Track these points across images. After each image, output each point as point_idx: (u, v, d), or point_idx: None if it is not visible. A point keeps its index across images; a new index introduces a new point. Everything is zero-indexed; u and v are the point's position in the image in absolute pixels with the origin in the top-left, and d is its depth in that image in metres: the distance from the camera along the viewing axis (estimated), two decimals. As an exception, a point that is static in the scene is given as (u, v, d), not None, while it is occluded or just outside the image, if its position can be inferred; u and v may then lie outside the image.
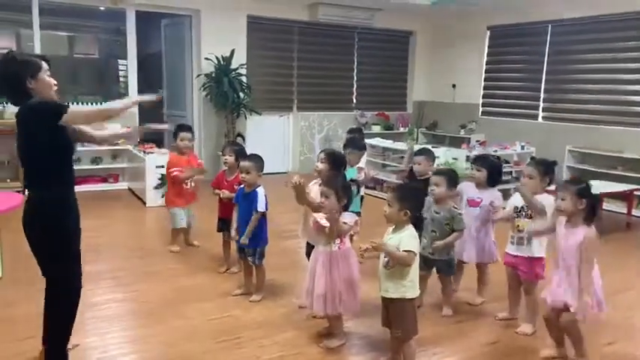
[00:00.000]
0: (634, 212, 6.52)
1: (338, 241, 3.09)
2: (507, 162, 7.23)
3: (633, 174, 6.77)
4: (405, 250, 2.74)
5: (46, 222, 2.59)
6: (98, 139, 3.12)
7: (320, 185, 3.52)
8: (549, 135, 8.00)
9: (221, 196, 4.16)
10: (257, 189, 3.74)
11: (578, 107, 7.99)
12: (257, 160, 3.78)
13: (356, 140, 4.78)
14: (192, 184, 4.91)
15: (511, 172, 7.36)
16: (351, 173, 4.11)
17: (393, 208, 2.78)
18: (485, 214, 3.78)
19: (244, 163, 3.76)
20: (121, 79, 8.93)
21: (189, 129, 4.95)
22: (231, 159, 4.23)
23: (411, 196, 2.84)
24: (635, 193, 6.52)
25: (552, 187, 3.41)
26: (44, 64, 2.65)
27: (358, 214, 4.14)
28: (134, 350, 3.12)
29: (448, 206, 3.60)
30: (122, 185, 7.64)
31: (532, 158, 3.61)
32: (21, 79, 2.55)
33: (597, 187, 6.08)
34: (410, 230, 2.80)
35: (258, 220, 3.72)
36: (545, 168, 3.41)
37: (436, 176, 3.66)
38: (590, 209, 2.90)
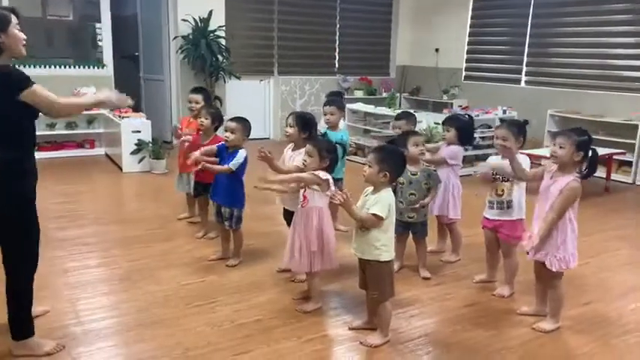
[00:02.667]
0: (613, 176, 6.54)
1: (301, 199, 3.04)
2: (489, 127, 7.19)
3: (614, 138, 6.76)
4: (371, 213, 2.68)
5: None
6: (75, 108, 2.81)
7: (293, 150, 3.47)
8: (532, 99, 7.95)
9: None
10: (240, 150, 3.65)
11: (560, 72, 7.92)
12: (244, 121, 3.69)
13: (337, 100, 4.66)
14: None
15: (492, 136, 7.31)
16: (333, 136, 4.01)
17: (373, 169, 2.71)
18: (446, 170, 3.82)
19: (230, 123, 3.66)
20: (99, 43, 8.60)
21: (199, 90, 4.69)
22: (207, 122, 4.11)
23: (392, 158, 2.76)
24: (615, 157, 6.53)
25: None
26: (14, 18, 2.49)
27: (340, 180, 4.08)
28: (106, 316, 3.05)
29: (422, 166, 3.58)
30: (99, 151, 7.46)
31: (502, 121, 3.52)
32: None
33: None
34: (386, 194, 2.73)
35: (226, 174, 3.62)
36: (518, 129, 3.32)
37: (415, 136, 3.62)
38: (590, 165, 2.86)
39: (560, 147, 2.84)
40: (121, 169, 6.51)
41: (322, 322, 3.05)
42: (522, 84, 8.44)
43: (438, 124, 6.87)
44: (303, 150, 3.15)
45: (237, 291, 3.41)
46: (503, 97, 8.19)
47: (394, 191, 2.92)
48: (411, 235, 3.71)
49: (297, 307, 3.19)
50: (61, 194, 5.46)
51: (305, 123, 3.43)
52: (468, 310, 3.29)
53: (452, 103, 8.73)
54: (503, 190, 3.34)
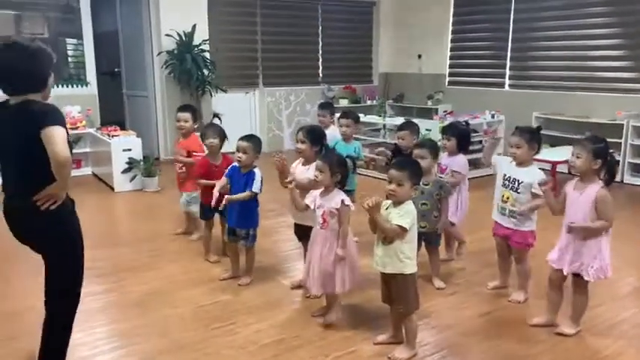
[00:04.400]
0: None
1: (321, 221, 3.02)
2: (476, 131, 7.28)
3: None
4: (397, 225, 2.68)
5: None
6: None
7: (303, 164, 3.45)
8: (516, 103, 8.07)
9: (216, 189, 3.80)
10: (254, 169, 3.60)
11: (543, 74, 8.08)
12: (255, 140, 3.64)
13: (353, 113, 4.67)
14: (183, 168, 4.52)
15: (481, 140, 7.42)
16: (345, 149, 4.01)
17: (405, 187, 2.70)
18: (452, 179, 3.86)
19: (242, 143, 3.57)
20: (70, 59, 8.41)
21: (187, 109, 4.58)
22: (216, 141, 3.98)
23: (417, 170, 2.82)
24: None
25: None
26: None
27: (352, 192, 4.07)
28: (125, 343, 2.97)
29: (434, 177, 3.62)
30: (86, 171, 7.30)
31: (517, 128, 3.54)
32: (47, 71, 2.36)
33: (559, 153, 6.25)
34: (411, 206, 2.74)
35: (249, 199, 3.56)
36: (531, 135, 3.37)
37: (419, 149, 3.60)
38: (608, 171, 2.88)
39: (578, 157, 2.88)
40: (112, 189, 6.38)
41: (346, 339, 3.03)
42: (506, 87, 8.58)
43: (429, 130, 6.95)
44: (314, 165, 3.14)
45: (253, 310, 3.37)
46: (488, 101, 8.30)
47: None
48: (423, 245, 3.72)
49: (319, 321, 3.18)
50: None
51: (315, 137, 3.41)
52: (486, 318, 3.31)
53: (437, 109, 8.81)
54: (508, 198, 3.37)
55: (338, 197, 3.00)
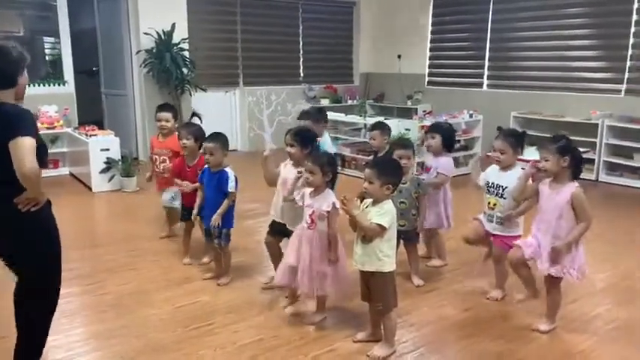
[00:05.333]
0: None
1: (309, 221, 3.01)
2: (455, 130, 7.34)
3: (575, 137, 6.97)
4: (376, 224, 2.69)
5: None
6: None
7: (293, 165, 3.42)
8: (494, 102, 8.17)
9: (183, 188, 3.92)
10: (226, 168, 3.58)
11: (521, 74, 8.19)
12: (221, 139, 3.59)
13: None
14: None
15: (460, 140, 7.48)
16: (323, 146, 4.01)
17: (375, 185, 2.71)
18: (435, 180, 3.86)
19: (207, 145, 3.54)
20: (47, 57, 8.27)
21: (167, 108, 4.52)
22: (189, 142, 3.90)
23: (391, 169, 2.79)
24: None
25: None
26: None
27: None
28: (102, 345, 2.94)
29: (411, 175, 3.65)
30: (63, 171, 7.19)
31: (500, 129, 3.57)
32: (13, 69, 2.32)
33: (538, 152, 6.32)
34: (390, 205, 2.75)
35: (218, 197, 3.54)
36: (516, 140, 3.37)
37: (404, 150, 3.62)
38: (575, 164, 2.92)
39: (546, 160, 2.93)
40: (90, 189, 6.30)
41: (326, 337, 3.03)
42: (484, 87, 8.67)
43: (408, 130, 6.99)
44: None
45: (232, 310, 3.35)
46: (466, 101, 8.37)
47: None
48: (402, 243, 3.74)
49: (304, 321, 3.19)
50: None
51: (305, 139, 3.35)
52: (464, 315, 3.35)
53: (416, 109, 8.87)
54: (495, 205, 3.39)
55: (329, 199, 2.96)
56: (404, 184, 3.57)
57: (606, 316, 3.33)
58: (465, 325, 3.22)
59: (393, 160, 3.03)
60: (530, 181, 3.10)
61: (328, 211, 2.94)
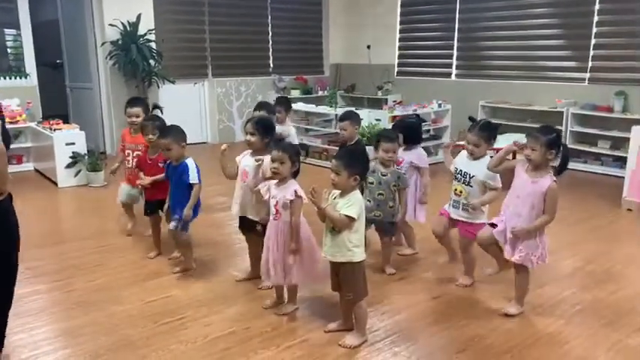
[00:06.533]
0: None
1: (274, 211, 3.00)
2: (424, 120, 7.39)
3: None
4: (345, 215, 2.69)
5: None
6: None
7: (253, 155, 3.40)
8: (463, 92, 8.25)
9: (138, 182, 3.89)
10: (186, 160, 3.53)
11: (488, 64, 8.29)
12: (174, 132, 3.53)
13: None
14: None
15: (429, 130, 7.55)
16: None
17: (342, 176, 2.71)
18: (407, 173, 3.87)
19: (162, 141, 3.50)
20: (9, 50, 8.01)
21: (138, 103, 4.43)
22: (154, 137, 3.83)
23: (358, 160, 2.79)
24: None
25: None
26: None
27: None
28: (70, 343, 2.88)
29: (392, 168, 3.66)
30: (28, 166, 7.01)
31: (471, 119, 3.58)
32: None
33: (507, 140, 6.40)
34: (357, 195, 2.75)
35: (184, 188, 3.49)
36: (489, 133, 3.37)
37: (392, 143, 3.61)
38: (561, 161, 2.96)
39: (533, 149, 2.95)
40: (55, 185, 6.15)
41: (298, 328, 3.03)
42: (453, 77, 8.75)
43: (379, 120, 7.01)
44: (267, 156, 3.11)
45: (203, 304, 3.32)
46: (436, 90, 8.44)
47: (361, 190, 2.93)
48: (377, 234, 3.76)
49: (275, 312, 3.18)
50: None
51: (266, 128, 3.34)
52: (435, 302, 3.39)
53: (386, 99, 8.90)
54: (461, 192, 3.42)
55: (292, 187, 2.96)
56: (384, 175, 3.59)
57: (572, 299, 3.42)
58: (435, 312, 3.26)
59: (358, 150, 3.03)
60: (511, 157, 3.13)
61: (291, 200, 2.93)
